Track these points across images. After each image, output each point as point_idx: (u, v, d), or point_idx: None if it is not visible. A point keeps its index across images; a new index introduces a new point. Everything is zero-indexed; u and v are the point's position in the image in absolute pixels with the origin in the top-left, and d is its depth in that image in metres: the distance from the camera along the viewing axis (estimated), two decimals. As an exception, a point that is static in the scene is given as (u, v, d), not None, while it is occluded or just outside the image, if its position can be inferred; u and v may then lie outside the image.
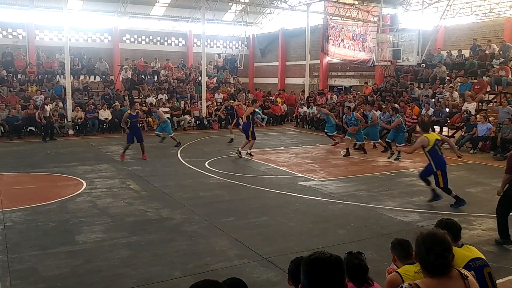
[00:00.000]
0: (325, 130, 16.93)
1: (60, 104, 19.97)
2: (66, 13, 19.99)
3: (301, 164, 13.26)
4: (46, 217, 8.02)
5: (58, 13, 24.07)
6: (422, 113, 17.76)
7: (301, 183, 10.82)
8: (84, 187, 10.22)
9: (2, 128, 18.09)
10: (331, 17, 25.68)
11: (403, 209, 8.65)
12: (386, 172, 12.17)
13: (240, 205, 8.91)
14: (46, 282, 5.54)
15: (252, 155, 13.98)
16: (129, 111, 13.95)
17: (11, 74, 22.25)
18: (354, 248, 4.22)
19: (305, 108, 23.00)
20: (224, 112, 21.55)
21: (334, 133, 16.72)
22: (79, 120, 19.29)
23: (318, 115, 19.50)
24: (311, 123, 22.11)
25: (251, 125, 14.05)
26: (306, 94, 25.48)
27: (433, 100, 18.21)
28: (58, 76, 22.86)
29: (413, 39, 19.95)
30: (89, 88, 22.82)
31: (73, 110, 19.33)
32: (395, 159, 13.60)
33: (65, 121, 19.26)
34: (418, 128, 10.60)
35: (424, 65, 21.35)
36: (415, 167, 12.71)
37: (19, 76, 22.56)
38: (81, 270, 5.87)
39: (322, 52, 26.68)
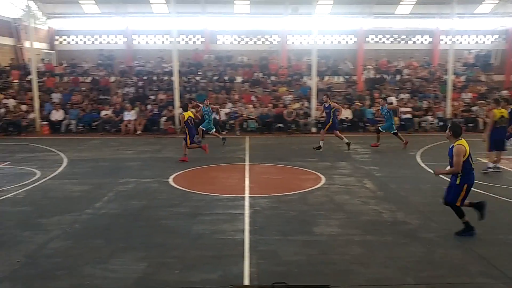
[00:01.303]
0: None
1: (306, 103, 21.38)
2: (315, 17, 21.27)
3: None
4: (288, 206, 8.73)
5: (308, 18, 25.76)
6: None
7: None
8: (323, 182, 10.72)
9: (256, 124, 20.42)
10: None
11: None
12: None
13: (487, 218, 7.99)
14: (285, 265, 6.02)
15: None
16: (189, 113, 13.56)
17: (266, 76, 24.97)
18: None
19: None
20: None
21: None
22: (321, 119, 20.31)
23: None
24: None
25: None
26: None
27: None
28: (305, 77, 24.54)
29: None
30: (332, 88, 23.81)
31: (316, 109, 20.46)
32: None
33: (309, 119, 20.53)
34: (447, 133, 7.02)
35: None
36: None
37: (272, 77, 25.09)
38: (315, 260, 6.19)
39: None
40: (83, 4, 28.18)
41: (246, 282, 5.55)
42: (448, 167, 7.03)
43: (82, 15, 29.39)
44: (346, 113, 20.41)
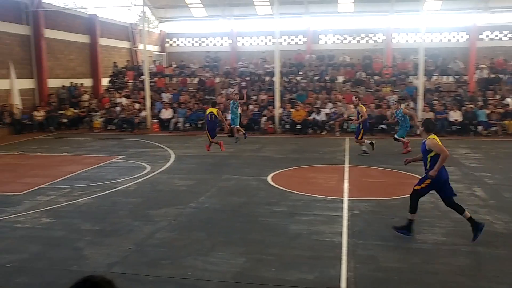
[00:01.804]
0: None
1: (412, 104, 20.45)
2: (423, 14, 20.27)
3: None
4: (389, 211, 8.41)
5: (415, 16, 24.66)
6: None
7: None
8: (427, 187, 10.17)
9: (357, 125, 19.93)
10: None
11: None
12: None
13: None
14: (385, 272, 5.81)
15: None
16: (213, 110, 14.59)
17: (369, 76, 24.32)
18: None
19: None
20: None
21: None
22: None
23: None
24: None
25: None
26: None
27: None
28: (411, 77, 23.51)
29: None
30: (440, 88, 22.53)
31: (422, 111, 19.50)
32: None
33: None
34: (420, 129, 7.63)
35: None
36: None
37: (375, 77, 24.37)
38: (418, 268, 5.90)
39: None
40: (192, 8, 29.68)
41: (343, 285, 5.45)
42: (437, 163, 6.78)
43: (190, 18, 30.98)
44: (455, 115, 19.19)
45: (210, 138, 14.44)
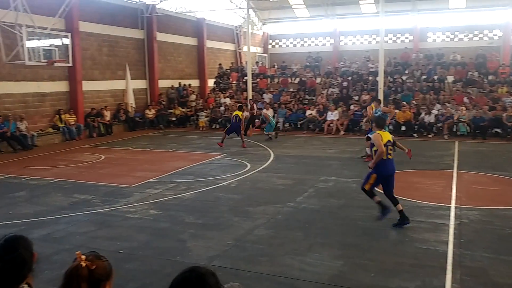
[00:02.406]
0: None
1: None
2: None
3: None
4: (503, 222, 7.74)
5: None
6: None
7: None
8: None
9: (468, 128, 18.64)
10: None
11: None
12: None
13: None
14: (495, 287, 5.36)
15: None
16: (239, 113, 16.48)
17: (482, 75, 22.60)
18: None
19: None
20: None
21: None
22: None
23: None
24: None
25: None
26: None
27: None
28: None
29: None
30: None
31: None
32: None
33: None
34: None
35: None
36: None
37: (489, 77, 22.59)
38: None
39: None
40: (295, 9, 29.84)
41: (448, 298, 5.12)
42: (374, 158, 7.47)
43: (293, 19, 31.16)
44: None
45: (225, 135, 16.16)
